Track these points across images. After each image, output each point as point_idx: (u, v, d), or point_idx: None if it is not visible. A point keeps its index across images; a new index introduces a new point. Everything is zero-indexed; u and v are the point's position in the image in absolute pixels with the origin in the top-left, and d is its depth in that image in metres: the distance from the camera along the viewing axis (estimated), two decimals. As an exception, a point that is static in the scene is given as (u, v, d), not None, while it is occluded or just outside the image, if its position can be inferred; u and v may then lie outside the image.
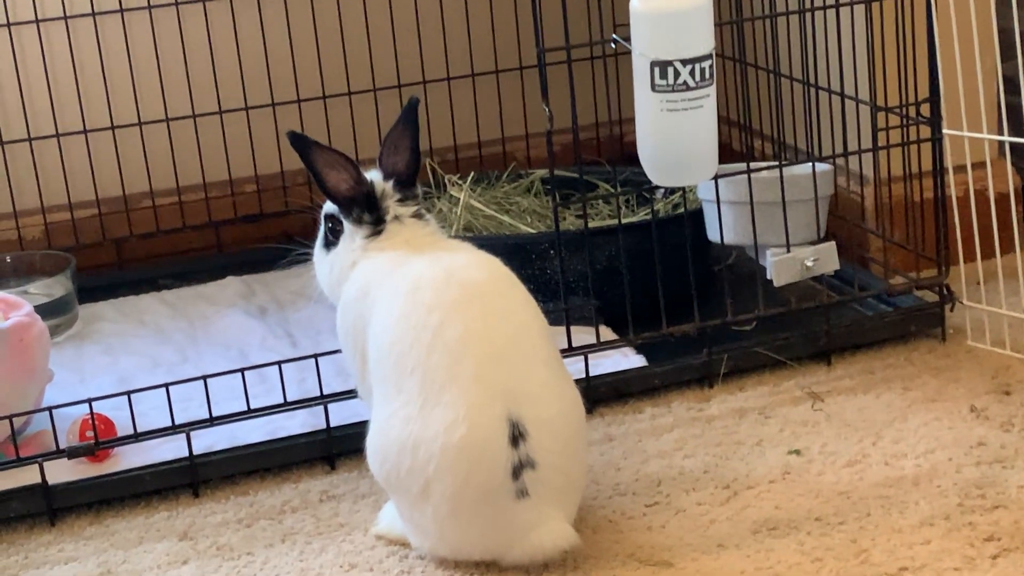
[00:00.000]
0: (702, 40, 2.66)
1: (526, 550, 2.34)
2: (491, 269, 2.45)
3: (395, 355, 2.36)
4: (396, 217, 2.54)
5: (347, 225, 2.56)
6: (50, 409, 2.77)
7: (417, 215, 2.56)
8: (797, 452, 2.71)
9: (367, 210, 2.54)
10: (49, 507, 2.69)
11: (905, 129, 3.11)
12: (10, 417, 2.74)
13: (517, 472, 2.30)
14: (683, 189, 3.28)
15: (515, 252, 3.11)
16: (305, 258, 2.71)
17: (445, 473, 2.29)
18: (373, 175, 2.56)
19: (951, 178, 3.09)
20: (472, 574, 2.39)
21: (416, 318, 2.35)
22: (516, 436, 2.30)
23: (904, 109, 3.08)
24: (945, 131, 3.04)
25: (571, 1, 2.87)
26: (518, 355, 2.35)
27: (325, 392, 2.83)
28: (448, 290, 2.37)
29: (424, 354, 2.33)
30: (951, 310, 3.11)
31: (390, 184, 2.55)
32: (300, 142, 2.51)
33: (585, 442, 2.48)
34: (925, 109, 3.05)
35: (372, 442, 2.41)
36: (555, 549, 2.34)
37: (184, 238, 3.86)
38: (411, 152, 2.55)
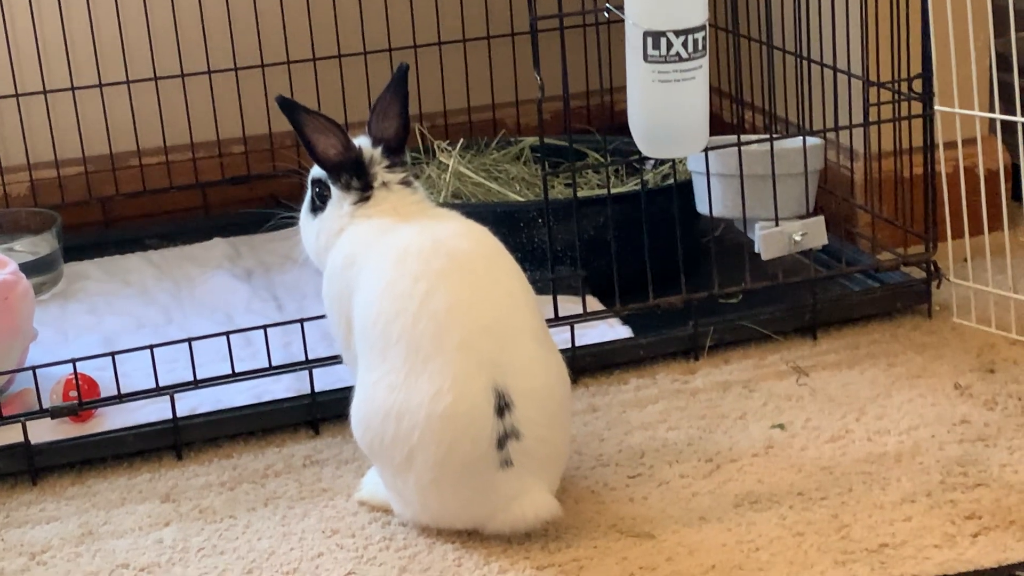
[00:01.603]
0: (696, 11, 2.65)
1: (508, 520, 2.35)
2: (479, 239, 2.44)
3: (381, 324, 2.35)
4: (384, 184, 2.53)
5: (335, 191, 2.55)
6: (34, 368, 2.76)
7: (405, 182, 2.54)
8: (781, 426, 2.71)
9: (355, 176, 2.52)
10: (31, 466, 2.68)
11: (897, 104, 3.10)
12: (-7, 376, 2.74)
13: (502, 442, 2.30)
14: (673, 160, 3.27)
15: (503, 220, 3.10)
16: (292, 221, 2.70)
17: (429, 442, 2.29)
18: (362, 141, 2.55)
19: (941, 154, 3.08)
20: (454, 542, 2.39)
21: (403, 287, 2.34)
22: (501, 406, 2.30)
23: (896, 84, 3.08)
24: (936, 107, 3.03)
25: (565, -31, 2.85)
26: (505, 326, 2.35)
27: (310, 357, 2.82)
28: (435, 259, 2.36)
29: (410, 323, 2.32)
30: (938, 287, 3.11)
31: (379, 150, 2.54)
32: (289, 107, 2.49)
33: (570, 413, 2.48)
34: (917, 85, 3.04)
35: (356, 410, 2.40)
36: (537, 519, 2.35)
37: (171, 198, 3.84)
38: (400, 119, 2.53)
